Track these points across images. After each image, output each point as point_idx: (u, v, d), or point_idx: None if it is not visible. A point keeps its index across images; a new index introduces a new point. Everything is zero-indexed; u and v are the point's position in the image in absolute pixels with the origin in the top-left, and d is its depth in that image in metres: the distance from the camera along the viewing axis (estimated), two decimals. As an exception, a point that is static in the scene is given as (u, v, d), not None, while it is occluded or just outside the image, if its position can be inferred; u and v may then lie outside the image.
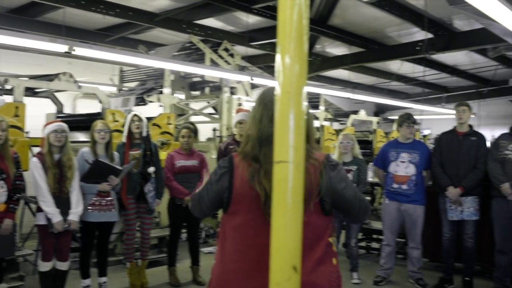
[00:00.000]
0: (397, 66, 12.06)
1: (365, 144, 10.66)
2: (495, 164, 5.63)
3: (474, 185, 5.78)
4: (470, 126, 6.06)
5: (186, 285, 6.07)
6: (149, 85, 8.13)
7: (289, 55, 1.41)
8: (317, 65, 10.79)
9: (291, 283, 1.44)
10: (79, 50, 5.80)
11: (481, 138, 5.94)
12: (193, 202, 2.35)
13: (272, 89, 2.14)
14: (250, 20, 8.52)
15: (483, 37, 8.10)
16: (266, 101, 2.17)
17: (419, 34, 9.13)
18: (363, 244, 7.92)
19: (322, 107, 10.41)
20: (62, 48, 5.65)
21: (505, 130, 5.86)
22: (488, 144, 5.98)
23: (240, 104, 8.60)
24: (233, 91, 8.71)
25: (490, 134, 10.74)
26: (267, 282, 1.47)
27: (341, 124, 12.17)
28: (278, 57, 1.43)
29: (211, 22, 9.01)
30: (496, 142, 5.78)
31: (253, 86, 9.29)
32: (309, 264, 2.03)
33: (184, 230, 6.45)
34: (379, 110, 18.64)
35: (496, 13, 4.70)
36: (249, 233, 2.08)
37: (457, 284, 6.07)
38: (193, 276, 6.16)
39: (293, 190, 1.42)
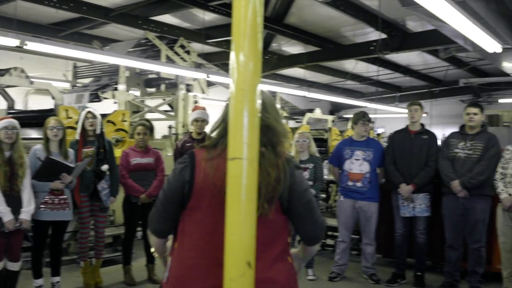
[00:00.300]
0: (352, 65, 12.26)
1: (320, 142, 10.77)
2: (446, 162, 5.78)
3: (426, 183, 5.92)
4: (422, 125, 6.20)
5: (141, 283, 6.00)
6: (103, 82, 8.01)
7: (243, 53, 1.42)
8: (273, 63, 10.86)
9: (245, 279, 1.45)
10: (31, 45, 5.67)
11: (433, 136, 6.09)
12: (149, 218, 2.29)
13: None
14: (207, 17, 8.50)
15: (435, 38, 8.30)
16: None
17: (374, 34, 9.30)
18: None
19: (278, 105, 10.47)
20: (13, 42, 5.50)
21: (456, 129, 6.02)
22: (439, 142, 6.13)
23: (196, 102, 8.57)
24: (189, 88, 8.66)
25: (441, 132, 11.03)
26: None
27: (297, 122, 12.28)
28: (232, 55, 1.44)
29: (167, 18, 8.95)
30: (446, 141, 5.93)
31: (209, 84, 9.27)
32: (267, 261, 2.05)
33: (139, 228, 6.38)
34: (335, 109, 18.90)
35: (446, 15, 4.84)
36: (208, 229, 2.06)
37: (409, 279, 6.19)
38: (148, 275, 6.09)
39: (247, 186, 1.43)
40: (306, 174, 6.20)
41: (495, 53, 7.22)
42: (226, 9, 7.92)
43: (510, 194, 5.29)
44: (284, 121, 11.12)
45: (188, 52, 9.21)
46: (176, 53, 9.04)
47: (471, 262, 5.75)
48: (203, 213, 2.09)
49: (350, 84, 15.46)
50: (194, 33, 9.53)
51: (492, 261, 6.06)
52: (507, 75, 10.40)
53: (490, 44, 6.34)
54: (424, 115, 15.22)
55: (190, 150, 2.23)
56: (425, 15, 4.90)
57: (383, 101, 15.85)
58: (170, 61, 8.84)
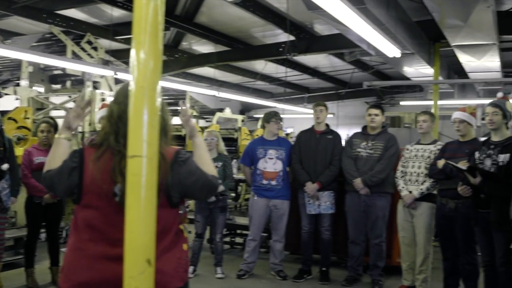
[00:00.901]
0: (261, 66, 12.42)
1: (230, 141, 10.85)
2: (349, 161, 6.01)
3: (330, 181, 6.12)
4: (327, 125, 6.41)
5: (45, 287, 5.77)
6: (4, 77, 7.62)
7: (143, 51, 1.42)
8: (184, 62, 10.79)
9: (145, 277, 1.45)
10: None
11: (337, 136, 6.31)
12: (46, 176, 2.30)
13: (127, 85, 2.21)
14: (115, 13, 8.29)
15: (341, 42, 8.56)
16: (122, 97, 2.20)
17: (283, 36, 9.48)
18: (227, 239, 8.06)
19: (188, 104, 10.43)
20: None
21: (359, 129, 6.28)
22: (343, 142, 6.37)
23: (103, 100, 8.34)
24: (96, 85, 8.42)
25: (347, 133, 11.43)
26: (120, 273, 1.47)
27: (207, 121, 12.30)
28: (133, 52, 1.43)
29: (73, 13, 8.64)
30: (349, 141, 6.16)
31: (117, 81, 9.06)
32: (156, 253, 2.11)
33: (43, 230, 6.13)
34: (245, 109, 19.07)
35: (348, 21, 5.02)
36: (97, 226, 2.15)
37: (315, 275, 6.35)
38: (52, 278, 5.86)
39: (146, 184, 1.43)
40: (214, 173, 6.23)
41: (395, 57, 7.61)
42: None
43: (410, 192, 5.58)
44: (194, 120, 11.11)
45: (95, 49, 8.97)
46: (83, 49, 8.78)
47: (372, 256, 5.99)
48: (92, 212, 2.16)
49: (260, 84, 15.67)
50: (101, 29, 9.27)
51: (392, 255, 6.37)
52: (408, 79, 10.96)
53: (390, 49, 6.66)
54: (331, 115, 15.76)
55: (79, 148, 2.29)
56: (329, 19, 5.08)
57: (292, 101, 16.19)
58: (76, 57, 8.56)
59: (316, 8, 4.50)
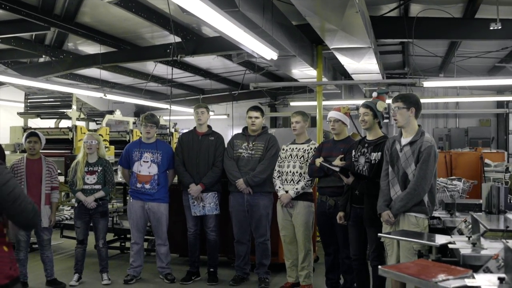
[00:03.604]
0: (153, 67, 12.27)
1: (121, 144, 10.59)
2: (231, 162, 6.09)
3: (214, 182, 6.18)
4: (209, 126, 6.46)
5: None
6: None
7: None
8: (69, 63, 10.44)
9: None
10: None
11: (219, 137, 6.38)
12: None
13: None
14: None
15: (227, 44, 8.54)
16: None
17: (172, 37, 9.40)
18: (117, 244, 7.91)
19: (74, 107, 10.06)
20: None
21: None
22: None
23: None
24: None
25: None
26: None
27: (98, 124, 11.93)
28: None
29: None
30: (231, 142, 6.26)
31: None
32: None
33: None
34: (139, 110, 18.74)
35: (220, 24, 5.04)
36: None
37: (203, 276, 6.41)
38: None
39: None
40: (94, 178, 6.10)
41: (280, 60, 7.80)
42: (13, 5, 7.38)
43: (286, 191, 5.75)
44: (83, 123, 10.76)
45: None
46: None
47: (258, 255, 6.14)
48: None
49: (153, 86, 15.46)
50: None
51: (279, 253, 6.54)
52: (296, 80, 11.26)
53: (267, 52, 6.78)
54: (225, 116, 15.84)
55: None
56: (204, 23, 5.09)
57: (186, 103, 16.13)
58: None
59: (188, 11, 4.50)
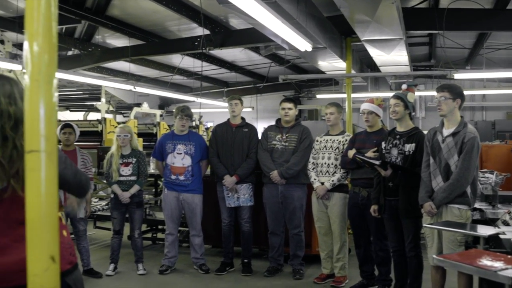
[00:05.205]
0: (178, 60, 12.31)
1: (149, 136, 10.71)
2: (265, 154, 6.10)
3: (248, 173, 6.20)
4: (243, 118, 6.47)
5: None
6: None
7: (37, 43, 1.39)
8: (97, 56, 10.51)
9: (49, 274, 1.43)
10: None
11: (253, 129, 6.39)
12: None
13: None
14: (21, 4, 7.92)
15: (256, 36, 8.61)
16: None
17: (199, 30, 9.42)
18: (149, 235, 7.98)
19: (103, 99, 10.17)
20: None
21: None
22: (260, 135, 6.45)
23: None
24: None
25: (266, 126, 11.55)
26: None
27: (125, 116, 12.04)
28: (26, 45, 1.39)
29: (-24, 5, 8.20)
30: (265, 133, 6.27)
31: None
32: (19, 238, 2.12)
33: None
34: (164, 103, 18.84)
35: (258, 15, 5.06)
36: None
37: (237, 267, 6.44)
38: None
39: (46, 180, 1.41)
40: (129, 169, 6.16)
41: (309, 51, 7.76)
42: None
43: (322, 183, 5.74)
44: (111, 115, 10.86)
45: (2, 42, 8.55)
46: (-11, 42, 8.37)
47: (292, 246, 6.14)
48: None
49: (178, 78, 15.52)
50: (8, 21, 8.82)
51: (312, 244, 6.56)
52: (323, 72, 11.21)
53: (301, 44, 6.78)
54: (249, 109, 15.84)
55: None
56: (240, 14, 5.10)
57: (211, 95, 16.16)
58: (-19, 51, 8.14)
59: (226, 2, 4.51)
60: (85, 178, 2.37)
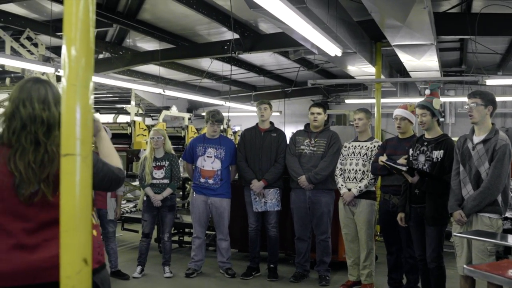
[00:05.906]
0: (207, 64, 12.38)
1: (177, 139, 10.79)
2: (293, 159, 6.09)
3: (276, 178, 6.19)
4: (271, 123, 6.47)
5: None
6: None
7: (75, 48, 1.42)
8: (128, 59, 10.64)
9: (81, 276, 1.46)
10: None
11: (281, 134, 6.39)
12: None
13: (31, 78, 2.30)
14: (55, 8, 8.06)
15: (285, 40, 8.61)
16: (23, 86, 2.25)
17: (228, 34, 9.47)
18: (175, 238, 8.02)
19: (133, 102, 10.29)
20: None
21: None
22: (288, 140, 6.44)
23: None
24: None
25: (294, 130, 11.53)
26: (27, 264, 1.58)
27: (154, 119, 12.16)
28: (64, 49, 1.42)
29: (12, 8, 8.36)
30: (293, 138, 6.25)
31: (59, 78, 8.84)
32: (52, 239, 2.15)
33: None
34: (192, 106, 18.94)
35: (289, 19, 5.07)
36: (4, 217, 2.14)
37: (263, 272, 6.43)
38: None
39: (81, 183, 1.43)
40: (162, 172, 6.21)
41: (339, 56, 7.74)
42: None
43: (349, 189, 5.70)
44: (140, 118, 10.97)
45: (35, 45, 8.72)
46: (22, 45, 8.53)
47: (319, 252, 6.11)
48: None
49: (206, 82, 15.59)
50: (42, 24, 9.00)
51: (339, 251, 6.52)
52: (351, 77, 11.15)
53: (332, 48, 6.77)
54: (277, 113, 15.84)
55: None
56: (271, 18, 5.11)
57: (239, 99, 16.19)
58: (15, 53, 8.31)
59: (257, 7, 4.52)
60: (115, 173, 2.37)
